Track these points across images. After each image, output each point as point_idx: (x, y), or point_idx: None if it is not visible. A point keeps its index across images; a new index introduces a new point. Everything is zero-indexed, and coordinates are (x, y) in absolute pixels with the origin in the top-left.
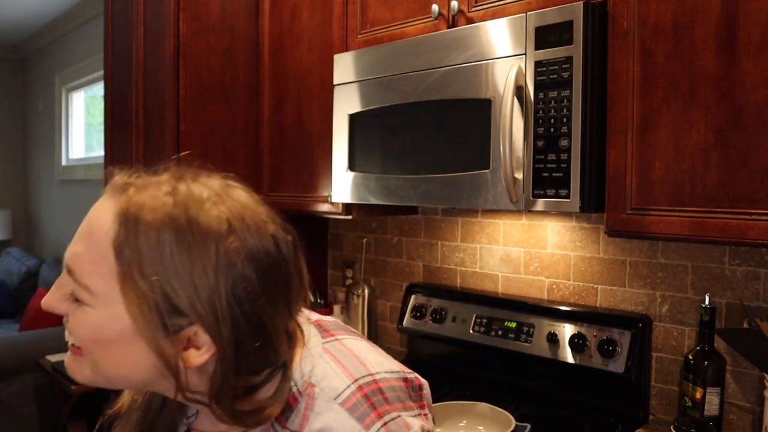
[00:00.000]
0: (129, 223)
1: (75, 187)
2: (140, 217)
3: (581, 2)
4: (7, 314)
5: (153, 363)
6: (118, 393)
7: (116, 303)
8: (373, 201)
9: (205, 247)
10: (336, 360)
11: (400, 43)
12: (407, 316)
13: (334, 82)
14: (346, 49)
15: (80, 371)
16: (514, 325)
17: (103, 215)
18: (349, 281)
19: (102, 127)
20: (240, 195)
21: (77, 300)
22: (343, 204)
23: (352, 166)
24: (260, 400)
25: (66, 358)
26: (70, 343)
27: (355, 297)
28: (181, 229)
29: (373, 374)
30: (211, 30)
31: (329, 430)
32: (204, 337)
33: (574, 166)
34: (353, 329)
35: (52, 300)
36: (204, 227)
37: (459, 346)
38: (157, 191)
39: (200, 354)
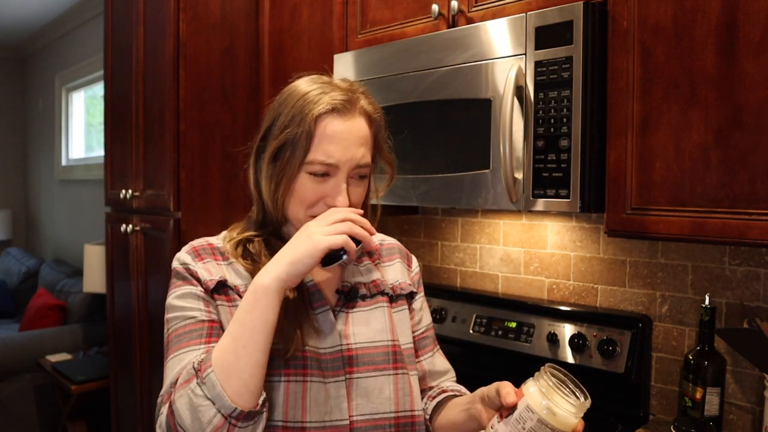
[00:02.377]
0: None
1: (75, 187)
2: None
3: (581, 2)
4: (7, 314)
5: None
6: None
7: None
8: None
9: None
10: None
11: (400, 43)
12: None
13: None
14: (346, 49)
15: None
16: (514, 325)
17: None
18: None
19: (102, 127)
20: None
21: (362, 178)
22: None
23: None
24: None
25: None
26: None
27: None
28: None
29: None
30: (211, 30)
31: (384, 239)
32: None
33: (574, 166)
34: None
35: (346, 198)
36: None
37: (459, 346)
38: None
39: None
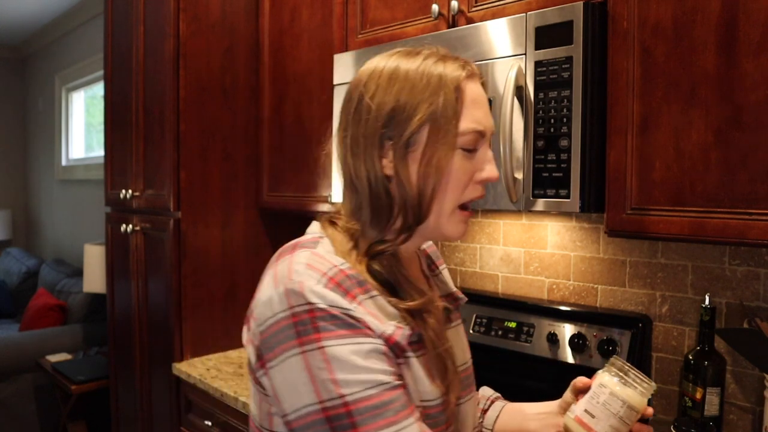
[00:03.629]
0: None
1: (75, 187)
2: None
3: (581, 2)
4: (7, 314)
5: None
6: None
7: None
8: None
9: None
10: None
11: (400, 44)
12: None
13: (334, 82)
14: (346, 49)
15: None
16: (514, 325)
17: None
18: None
19: (102, 127)
20: None
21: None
22: None
23: None
24: None
25: (466, 228)
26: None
27: None
28: None
29: None
30: (211, 30)
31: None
32: None
33: (574, 166)
34: None
35: (495, 167)
36: None
37: None
38: None
39: None
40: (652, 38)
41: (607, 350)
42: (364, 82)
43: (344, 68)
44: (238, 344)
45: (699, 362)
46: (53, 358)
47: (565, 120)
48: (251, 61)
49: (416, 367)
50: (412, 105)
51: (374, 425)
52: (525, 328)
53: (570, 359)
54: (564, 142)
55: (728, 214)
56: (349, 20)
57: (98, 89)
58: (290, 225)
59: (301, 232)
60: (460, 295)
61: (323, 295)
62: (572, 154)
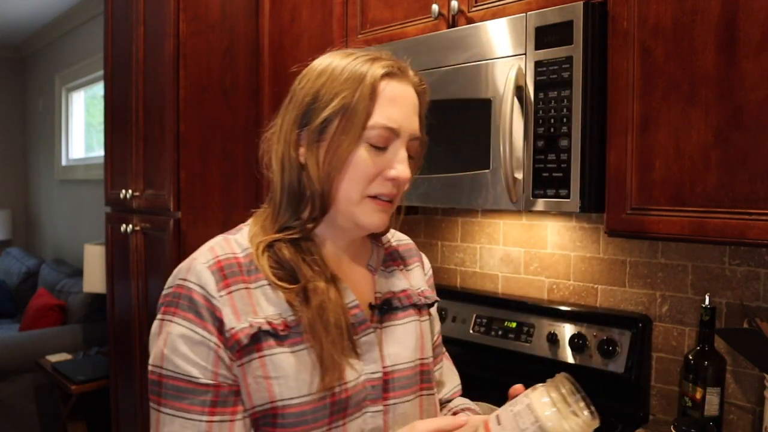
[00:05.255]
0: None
1: (75, 187)
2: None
3: (581, 2)
4: (7, 314)
5: None
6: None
7: None
8: None
9: None
10: None
11: (400, 43)
12: None
13: None
14: None
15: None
16: (514, 325)
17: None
18: None
19: (102, 127)
20: None
21: (410, 158)
22: None
23: None
24: None
25: (382, 218)
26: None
27: None
28: None
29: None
30: (211, 30)
31: (401, 238)
32: None
33: (574, 166)
34: None
35: (407, 167)
36: None
37: (459, 346)
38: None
39: None
40: (652, 38)
41: (607, 350)
42: (301, 76)
43: None
44: None
45: (699, 362)
46: (53, 358)
47: (565, 120)
48: (251, 61)
49: (277, 363)
50: (329, 96)
51: (172, 403)
52: (525, 328)
53: (570, 359)
54: (564, 142)
55: (728, 214)
56: (349, 20)
57: (98, 89)
58: None
59: None
60: (409, 298)
61: (199, 275)
62: (572, 154)
